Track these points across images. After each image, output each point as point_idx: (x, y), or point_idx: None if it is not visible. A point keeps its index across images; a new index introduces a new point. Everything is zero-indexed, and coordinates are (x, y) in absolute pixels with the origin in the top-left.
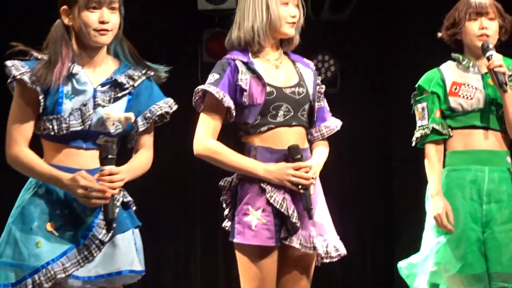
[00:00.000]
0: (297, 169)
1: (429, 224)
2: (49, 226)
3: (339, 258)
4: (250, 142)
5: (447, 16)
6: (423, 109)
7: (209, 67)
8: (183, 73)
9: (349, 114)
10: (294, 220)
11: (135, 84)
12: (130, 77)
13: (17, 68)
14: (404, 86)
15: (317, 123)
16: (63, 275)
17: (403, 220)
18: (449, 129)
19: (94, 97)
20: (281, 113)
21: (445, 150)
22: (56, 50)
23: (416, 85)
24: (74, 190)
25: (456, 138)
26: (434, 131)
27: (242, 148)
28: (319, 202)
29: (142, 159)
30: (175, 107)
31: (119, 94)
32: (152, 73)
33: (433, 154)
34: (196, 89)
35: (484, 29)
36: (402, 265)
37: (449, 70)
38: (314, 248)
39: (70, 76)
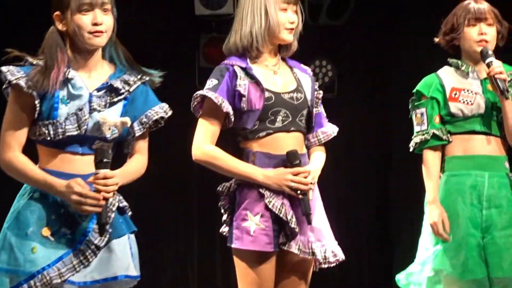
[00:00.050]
0: (295, 174)
1: (426, 230)
2: (44, 231)
3: (337, 263)
4: (248, 147)
5: (444, 21)
6: (422, 114)
7: (206, 72)
8: (181, 78)
9: (347, 119)
10: (292, 226)
11: (131, 89)
12: (126, 82)
13: (13, 73)
14: (401, 90)
15: (314, 128)
16: (59, 281)
17: (401, 224)
18: (448, 135)
19: (90, 102)
20: (279, 118)
21: (443, 155)
22: (52, 56)
23: (414, 90)
24: (68, 197)
25: (455, 143)
26: (434, 136)
27: (241, 153)
28: (317, 207)
29: (137, 163)
30: (170, 113)
31: (115, 99)
32: (147, 78)
33: (431, 160)
34: (194, 94)
35: (483, 34)
36: (400, 277)
37: (447, 75)
38: (313, 253)
39: (66, 81)
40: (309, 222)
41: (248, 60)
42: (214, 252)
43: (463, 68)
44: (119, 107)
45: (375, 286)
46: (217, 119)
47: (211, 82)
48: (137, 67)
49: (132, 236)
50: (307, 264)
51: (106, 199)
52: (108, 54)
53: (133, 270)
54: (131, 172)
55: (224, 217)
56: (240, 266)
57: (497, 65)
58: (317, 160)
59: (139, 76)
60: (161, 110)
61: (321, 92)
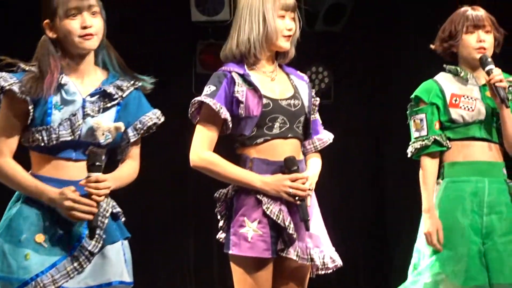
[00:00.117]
0: (294, 181)
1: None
2: (38, 238)
3: (334, 269)
4: (246, 153)
5: (441, 28)
6: (421, 120)
7: (203, 78)
8: (177, 84)
9: (343, 125)
10: (290, 232)
11: (124, 95)
12: (119, 88)
13: (5, 79)
14: (397, 97)
15: (311, 135)
16: (53, 287)
17: (397, 230)
18: (447, 141)
19: (83, 107)
20: (277, 125)
21: (441, 161)
22: (45, 63)
23: (412, 96)
24: (61, 203)
25: (454, 149)
26: (435, 142)
27: (238, 159)
28: (315, 214)
29: (129, 168)
30: (162, 119)
31: (108, 105)
32: (139, 84)
33: (428, 167)
34: (192, 100)
35: (482, 42)
36: None
37: (446, 81)
38: (311, 259)
39: (59, 86)
40: (307, 229)
41: (245, 66)
42: (211, 259)
43: (462, 74)
44: (112, 112)
45: None
46: (215, 125)
47: (209, 89)
48: (130, 73)
49: (126, 242)
50: (304, 271)
51: (97, 202)
52: (101, 60)
53: (127, 276)
54: (123, 177)
55: (221, 224)
56: (237, 273)
57: (498, 73)
58: (314, 166)
59: (131, 82)
60: (154, 116)
61: (317, 99)
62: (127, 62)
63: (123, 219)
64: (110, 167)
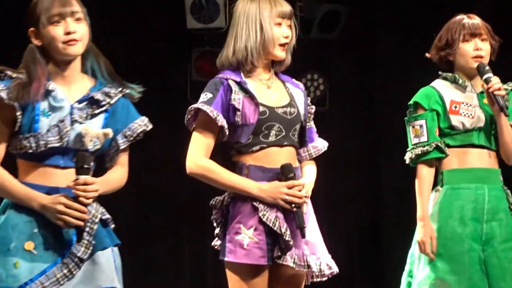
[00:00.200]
0: (290, 188)
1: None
2: (27, 246)
3: (331, 276)
4: (242, 161)
5: (438, 37)
6: (421, 126)
7: (198, 85)
8: (173, 91)
9: (338, 132)
10: (287, 238)
11: (112, 102)
12: (107, 94)
13: None
14: (392, 104)
15: (306, 143)
16: None
17: (392, 236)
18: (446, 148)
19: (71, 113)
20: (273, 133)
21: (440, 168)
22: (31, 70)
23: (411, 102)
24: (53, 207)
25: (453, 156)
26: (437, 148)
27: (233, 166)
28: (310, 221)
29: (118, 174)
30: (150, 126)
31: (96, 111)
32: (127, 91)
33: (425, 176)
34: (189, 107)
35: (479, 50)
36: None
37: (444, 88)
38: (308, 266)
39: (46, 93)
40: (303, 236)
41: (242, 74)
42: (206, 266)
43: (460, 81)
44: (100, 119)
45: None
46: (211, 132)
47: (205, 96)
48: (118, 80)
49: (116, 249)
50: (300, 278)
51: (85, 205)
52: (90, 67)
53: (118, 283)
54: (111, 182)
55: (217, 231)
56: (232, 280)
57: (496, 82)
58: (310, 173)
59: (119, 89)
60: (142, 123)
61: (313, 107)
62: (122, 69)
63: (112, 226)
64: (98, 174)
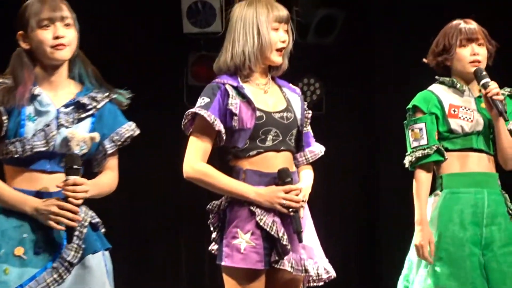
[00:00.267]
0: (287, 192)
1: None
2: (17, 251)
3: (328, 280)
4: (239, 165)
5: (434, 42)
6: (420, 129)
7: (194, 90)
8: (169, 96)
9: (335, 137)
10: (284, 243)
11: (98, 106)
12: (93, 99)
13: None
14: (388, 108)
15: (303, 148)
16: None
17: (389, 240)
18: (445, 152)
19: (57, 118)
20: (270, 137)
21: (438, 173)
22: (18, 74)
23: (410, 106)
24: (48, 209)
25: (452, 160)
26: (437, 151)
27: (231, 171)
28: (308, 225)
29: (109, 178)
30: (137, 132)
31: (82, 115)
32: (115, 96)
33: (423, 180)
34: (186, 112)
35: (476, 55)
36: None
37: (442, 92)
38: (306, 270)
39: (32, 98)
40: (300, 240)
41: (239, 79)
42: (203, 269)
43: (458, 86)
44: (87, 123)
45: None
46: (208, 137)
47: (202, 100)
48: (106, 85)
49: (107, 253)
50: (297, 282)
51: (76, 206)
52: (77, 73)
53: (109, 287)
54: (102, 185)
55: (214, 235)
56: (229, 284)
57: (494, 86)
58: (307, 178)
59: (106, 94)
60: (129, 128)
61: (310, 112)
62: (119, 73)
63: (103, 230)
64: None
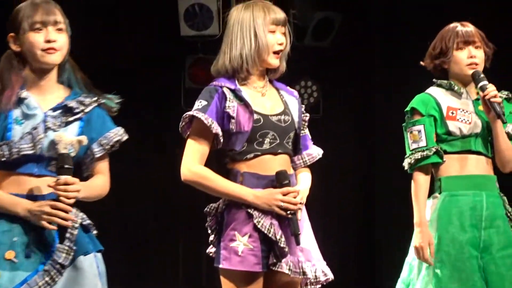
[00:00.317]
0: (285, 194)
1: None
2: (8, 255)
3: (325, 283)
4: (236, 168)
5: (432, 45)
6: (419, 131)
7: (192, 92)
8: (166, 99)
9: (332, 139)
10: (282, 245)
11: (86, 110)
12: (81, 103)
13: None
14: (386, 110)
15: (300, 151)
16: None
17: (387, 243)
18: (443, 154)
19: (45, 121)
20: (267, 140)
21: (437, 175)
22: (6, 78)
23: (408, 108)
24: (40, 209)
25: (450, 163)
26: (436, 153)
27: (228, 173)
28: (305, 228)
29: (100, 181)
30: (126, 137)
31: (70, 119)
32: (103, 101)
33: (422, 182)
34: (183, 115)
35: (473, 57)
36: None
37: (440, 95)
38: (304, 273)
39: (19, 101)
40: (298, 243)
41: (236, 81)
42: (200, 273)
43: (456, 88)
44: (75, 127)
45: None
46: (206, 140)
47: (200, 103)
48: (95, 91)
49: (99, 255)
50: (295, 285)
51: (68, 205)
52: (66, 78)
53: None
54: (94, 187)
55: (211, 238)
56: (227, 287)
57: (492, 89)
58: (305, 181)
59: (95, 98)
60: (118, 133)
61: (307, 115)
62: (116, 76)
63: (95, 232)
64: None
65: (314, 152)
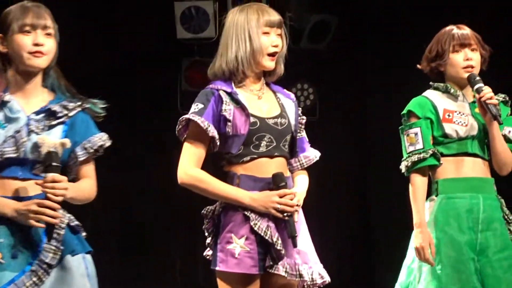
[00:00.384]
0: (282, 196)
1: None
2: None
3: (322, 286)
4: (233, 170)
5: (428, 48)
6: (416, 134)
7: (188, 95)
8: (162, 102)
9: (328, 142)
10: (278, 248)
11: (70, 114)
12: (65, 107)
13: None
14: (382, 112)
15: (297, 153)
16: None
17: (383, 245)
18: (440, 156)
19: (28, 124)
20: (263, 143)
21: (434, 178)
22: None
23: (405, 111)
24: (28, 208)
25: (447, 165)
26: (433, 155)
27: (224, 176)
28: (302, 230)
29: (88, 184)
30: (109, 143)
31: (53, 122)
32: (88, 105)
33: (419, 184)
34: (180, 118)
35: (469, 60)
36: None
37: (436, 97)
38: (300, 275)
39: (2, 105)
40: (295, 245)
41: (233, 84)
42: (197, 275)
43: (452, 91)
44: (58, 131)
45: None
46: (202, 143)
47: (196, 106)
48: (78, 96)
49: (88, 257)
50: (291, 287)
51: (56, 203)
52: (50, 83)
53: None
54: (81, 189)
55: (208, 240)
56: None
57: (488, 91)
58: (302, 183)
59: (78, 103)
60: (102, 138)
61: (304, 117)
62: (112, 79)
63: (84, 234)
64: None
65: (311, 154)
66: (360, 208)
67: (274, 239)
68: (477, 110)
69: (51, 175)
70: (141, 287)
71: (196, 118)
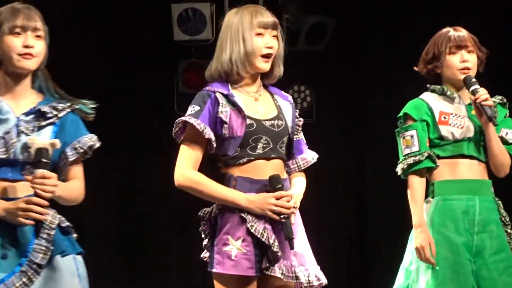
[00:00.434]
0: (278, 198)
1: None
2: None
3: (319, 287)
4: (229, 172)
5: (425, 50)
6: (412, 136)
7: (185, 97)
8: (160, 103)
9: (325, 144)
10: (275, 249)
11: (59, 115)
12: (54, 108)
13: None
14: (379, 115)
15: (294, 155)
16: None
17: (379, 247)
18: (436, 159)
19: (18, 125)
20: (260, 145)
21: (430, 180)
22: None
23: (401, 114)
24: (16, 206)
25: (443, 167)
26: (429, 157)
27: (221, 178)
28: (299, 232)
29: (76, 185)
30: (98, 144)
31: (43, 123)
32: (77, 106)
33: (417, 186)
34: (176, 120)
35: (465, 62)
36: None
37: (433, 100)
38: (297, 277)
39: None
40: (292, 247)
41: (229, 86)
42: (194, 277)
43: (448, 93)
44: (48, 132)
45: None
46: (199, 145)
47: (193, 109)
48: (67, 97)
49: (79, 258)
50: None
51: (45, 199)
52: (38, 86)
53: None
54: (70, 188)
55: (205, 242)
56: None
57: (483, 92)
58: (299, 185)
59: (68, 104)
60: (91, 139)
61: (301, 119)
62: (109, 80)
63: (75, 235)
64: None
65: (308, 156)
66: (357, 210)
67: (271, 241)
68: (473, 112)
69: (40, 171)
70: None
71: (193, 120)
